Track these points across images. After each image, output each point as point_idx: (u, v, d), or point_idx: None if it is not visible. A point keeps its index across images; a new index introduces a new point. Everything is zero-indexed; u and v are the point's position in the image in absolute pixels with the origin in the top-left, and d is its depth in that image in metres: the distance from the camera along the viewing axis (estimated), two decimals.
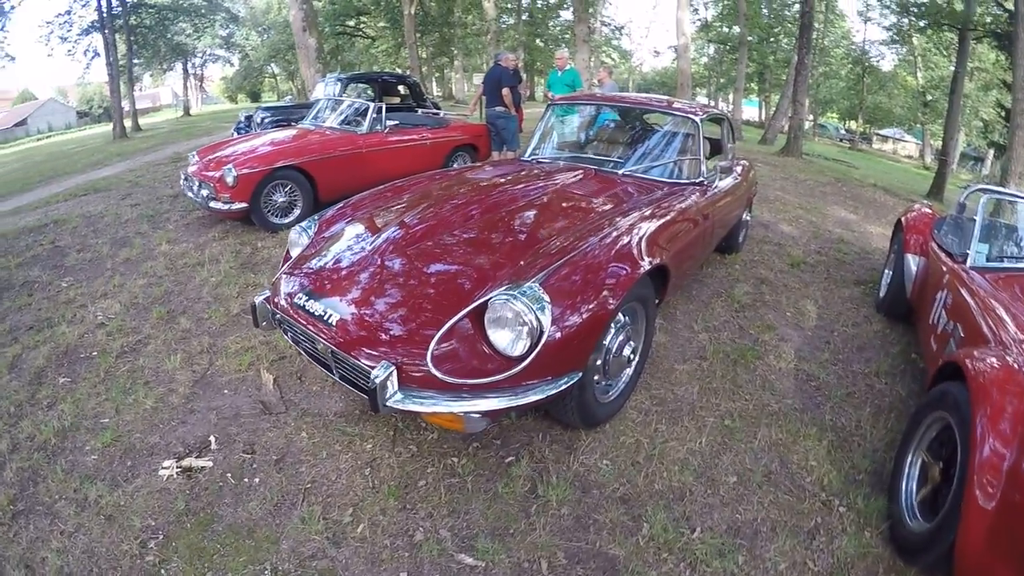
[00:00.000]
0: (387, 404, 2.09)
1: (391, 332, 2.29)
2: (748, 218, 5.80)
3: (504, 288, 2.20)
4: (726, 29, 28.97)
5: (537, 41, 29.94)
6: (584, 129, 4.99)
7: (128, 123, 22.68)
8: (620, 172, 3.88)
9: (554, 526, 2.31)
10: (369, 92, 11.42)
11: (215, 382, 3.36)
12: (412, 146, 7.06)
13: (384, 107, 6.88)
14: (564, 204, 3.33)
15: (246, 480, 2.53)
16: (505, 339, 2.13)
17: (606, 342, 2.61)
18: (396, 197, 3.59)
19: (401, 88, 11.58)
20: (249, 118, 10.27)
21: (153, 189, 8.74)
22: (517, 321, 2.10)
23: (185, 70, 34.74)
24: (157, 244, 5.76)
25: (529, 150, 4.60)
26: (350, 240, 2.98)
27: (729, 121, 5.06)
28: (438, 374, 2.07)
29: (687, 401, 3.20)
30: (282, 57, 33.59)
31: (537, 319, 2.09)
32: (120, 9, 23.05)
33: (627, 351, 2.78)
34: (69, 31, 23.03)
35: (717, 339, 3.94)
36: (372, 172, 6.27)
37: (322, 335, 2.38)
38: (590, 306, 2.29)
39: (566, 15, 29.74)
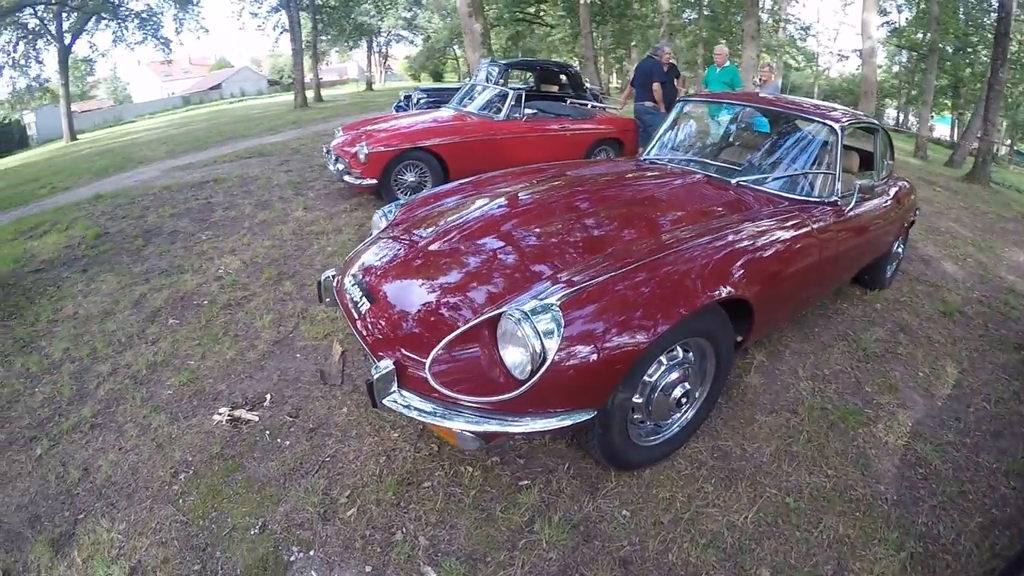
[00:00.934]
0: (383, 402, 2.07)
1: (406, 329, 2.28)
2: (902, 250, 5.11)
3: (521, 302, 2.04)
4: (919, 35, 26.14)
5: (718, 38, 29.08)
6: (709, 131, 4.63)
7: (311, 94, 25.04)
8: (733, 181, 3.46)
9: (535, 568, 2.15)
10: (528, 79, 11.69)
11: (292, 345, 3.67)
12: (550, 136, 7.15)
13: (523, 94, 7.06)
14: (649, 212, 3.10)
15: (279, 440, 2.76)
16: (514, 358, 1.98)
17: (651, 378, 2.35)
18: (482, 189, 3.61)
19: (563, 77, 11.63)
20: (408, 97, 10.91)
21: (310, 158, 9.61)
22: (524, 341, 1.92)
23: (369, 48, 37.71)
24: (293, 210, 6.35)
25: (647, 150, 4.36)
26: (415, 230, 3.05)
27: (886, 133, 4.51)
28: (433, 382, 2.00)
29: (754, 462, 2.75)
30: (462, 40, 35.17)
31: (542, 345, 1.90)
32: None
33: (678, 392, 2.45)
34: (259, 8, 25.63)
35: (822, 392, 3.40)
36: (506, 159, 6.34)
37: (354, 320, 2.46)
38: (620, 338, 2.03)
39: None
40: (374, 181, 5.98)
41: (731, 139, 4.41)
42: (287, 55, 42.04)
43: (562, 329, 1.92)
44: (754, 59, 13.06)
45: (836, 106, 4.41)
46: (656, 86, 7.67)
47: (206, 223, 6.15)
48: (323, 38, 32.76)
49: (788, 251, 2.91)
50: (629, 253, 2.39)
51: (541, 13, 30.15)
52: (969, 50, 24.60)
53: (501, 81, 9.90)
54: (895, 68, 36.33)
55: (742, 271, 2.53)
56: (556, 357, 1.90)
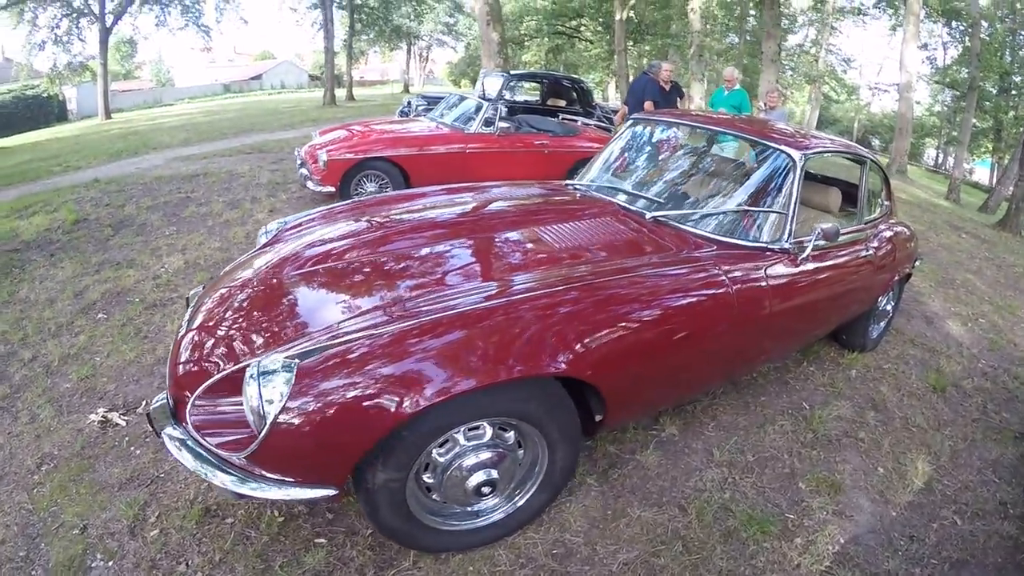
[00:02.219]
0: (160, 434, 1.99)
1: (191, 362, 2.21)
2: (892, 307, 4.47)
3: (266, 356, 1.84)
4: (961, 73, 25.56)
5: (759, 64, 28.89)
6: (649, 155, 3.99)
7: (343, 92, 25.64)
8: (648, 215, 3.02)
9: None
10: (537, 91, 11.76)
11: None
12: (525, 152, 7.09)
13: (500, 108, 7.05)
14: (515, 250, 2.75)
15: (132, 448, 2.88)
16: (248, 416, 1.79)
17: (443, 457, 2.05)
18: (369, 211, 3.34)
19: (572, 92, 11.41)
20: (411, 103, 11.10)
21: None
22: (249, 401, 1.75)
23: (408, 50, 38.28)
24: (258, 212, 6.57)
25: (581, 173, 3.96)
26: (269, 253, 2.89)
27: (880, 168, 4.01)
28: (188, 424, 1.92)
29: (598, 570, 2.28)
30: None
31: (261, 407, 1.72)
32: None
33: (478, 479, 2.10)
34: (298, 3, 26.26)
35: (734, 484, 2.79)
36: (473, 173, 6.37)
37: (177, 342, 2.38)
38: (365, 410, 1.75)
39: (794, 39, 28.30)
40: (332, 189, 6.10)
41: (672, 166, 3.78)
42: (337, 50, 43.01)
43: (288, 392, 1.71)
44: (773, 84, 12.49)
45: (816, 134, 3.86)
46: (648, 104, 7.48)
47: (175, 219, 6.39)
48: (362, 38, 33.42)
49: (685, 313, 2.40)
50: (439, 302, 2.08)
51: (581, 27, 30.33)
52: (1013, 91, 24.06)
53: (505, 93, 9.96)
54: (937, 107, 35.59)
55: (589, 340, 2.06)
56: (280, 422, 1.71)
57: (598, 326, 2.11)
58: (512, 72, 11.01)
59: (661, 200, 3.25)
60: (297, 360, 1.76)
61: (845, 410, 3.55)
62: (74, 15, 23.33)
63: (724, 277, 2.54)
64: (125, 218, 6.54)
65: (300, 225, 3.28)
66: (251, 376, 1.75)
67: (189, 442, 1.90)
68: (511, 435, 2.15)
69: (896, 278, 4.09)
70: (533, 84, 13.00)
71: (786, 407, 3.51)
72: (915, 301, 5.60)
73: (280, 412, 1.70)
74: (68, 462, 2.79)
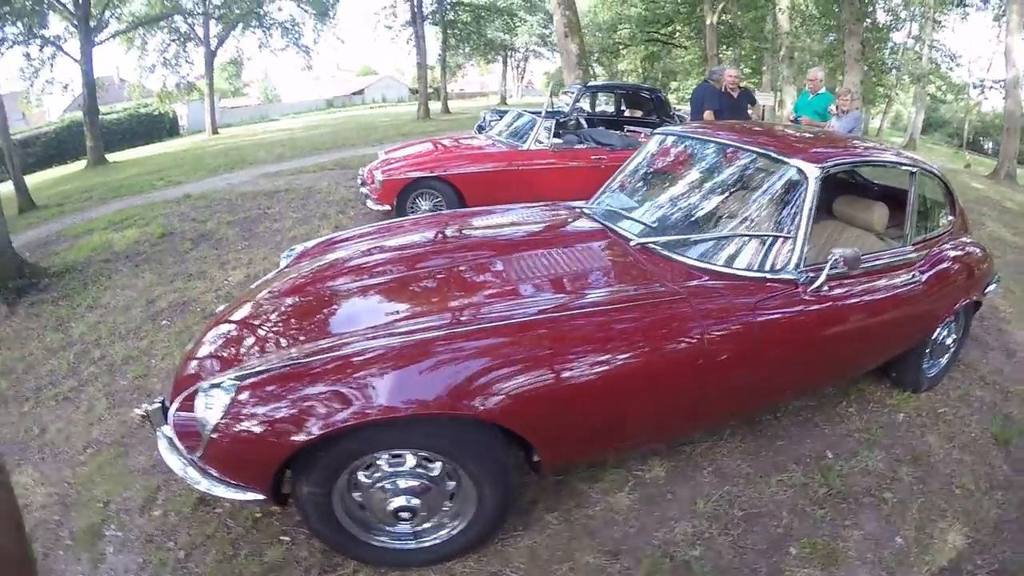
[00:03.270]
0: (156, 431, 2.32)
1: (187, 376, 2.45)
2: (952, 341, 3.90)
3: (222, 375, 2.12)
4: None
5: (862, 63, 27.55)
6: (662, 173, 3.78)
7: (438, 106, 26.75)
8: (633, 242, 2.92)
9: None
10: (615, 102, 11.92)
11: None
12: (580, 167, 6.94)
13: (553, 123, 7.08)
14: (469, 281, 2.76)
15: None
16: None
17: (368, 479, 2.18)
18: (366, 238, 3.51)
19: (650, 101, 11.35)
20: (486, 118, 11.47)
21: None
22: (197, 413, 2.06)
23: (505, 63, 39.24)
24: (324, 229, 7.05)
25: (598, 193, 3.83)
26: (277, 280, 3.08)
27: (941, 179, 3.63)
28: (171, 425, 2.22)
29: None
30: (596, 59, 35.76)
31: (205, 419, 2.02)
32: (436, 5, 27.36)
33: (396, 504, 2.20)
34: (393, 21, 27.49)
35: (709, 540, 2.57)
36: (528, 190, 6.37)
37: (185, 354, 2.74)
38: (276, 429, 1.96)
39: (898, 37, 26.83)
40: (389, 208, 6.46)
41: (687, 184, 3.44)
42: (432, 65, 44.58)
43: (225, 408, 1.98)
44: (858, 86, 11.77)
45: (859, 142, 3.59)
46: (708, 114, 7.31)
47: (249, 234, 6.98)
48: (458, 52, 34.59)
49: (636, 356, 2.26)
50: (368, 336, 2.19)
51: (676, 34, 30.21)
52: None
53: (579, 104, 10.11)
54: None
55: (507, 384, 2.05)
56: (217, 432, 1.99)
57: (521, 370, 2.07)
58: (586, 84, 11.16)
59: (658, 224, 3.09)
60: (237, 381, 2.02)
61: (876, 462, 3.10)
62: (181, 40, 25.59)
63: (693, 312, 2.37)
64: (206, 232, 7.20)
65: (319, 248, 3.56)
66: (200, 391, 2.06)
67: (173, 440, 2.22)
68: (437, 466, 2.18)
69: (959, 307, 3.58)
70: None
71: (804, 455, 3.15)
72: (998, 330, 4.98)
73: (216, 424, 1.99)
74: (109, 448, 3.26)
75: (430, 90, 28.02)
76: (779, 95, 24.30)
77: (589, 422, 2.29)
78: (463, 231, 3.46)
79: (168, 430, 2.25)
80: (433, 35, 27.51)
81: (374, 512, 2.24)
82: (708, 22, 22.62)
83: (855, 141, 3.66)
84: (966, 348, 4.26)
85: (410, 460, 2.15)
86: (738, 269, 2.66)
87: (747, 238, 2.76)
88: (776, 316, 2.56)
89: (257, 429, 1.96)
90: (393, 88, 57.14)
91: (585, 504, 2.74)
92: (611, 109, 12.69)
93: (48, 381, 4.09)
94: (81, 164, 19.40)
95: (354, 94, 53.56)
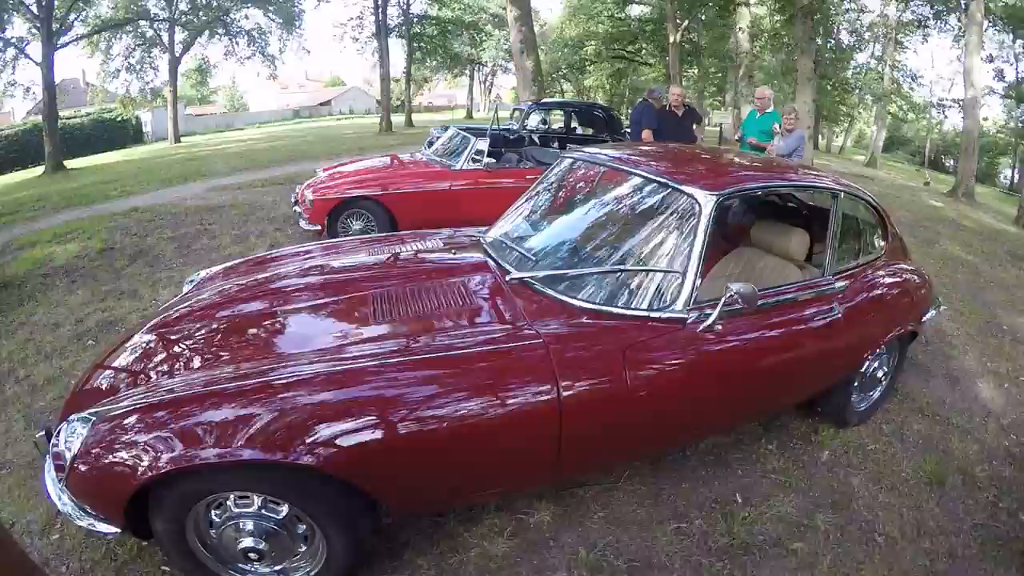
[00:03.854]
0: (44, 456, 2.32)
1: (74, 402, 2.52)
2: (884, 374, 3.72)
3: (84, 410, 2.14)
4: None
5: (825, 84, 27.89)
6: (563, 198, 3.68)
7: (401, 119, 27.00)
8: (508, 277, 2.78)
9: None
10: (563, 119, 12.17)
11: None
12: (514, 187, 6.46)
13: (486, 143, 6.95)
14: (325, 321, 2.75)
15: None
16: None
17: (219, 518, 2.19)
18: (296, 259, 3.53)
19: (600, 118, 11.23)
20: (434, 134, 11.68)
21: None
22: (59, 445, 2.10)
23: (471, 77, 39.68)
24: (259, 247, 7.21)
25: (495, 224, 3.67)
26: (172, 307, 3.13)
27: (870, 202, 3.51)
28: (49, 452, 2.22)
29: None
30: (562, 76, 36.22)
31: (65, 452, 2.07)
32: (402, 18, 27.66)
33: (245, 544, 2.19)
34: (360, 33, 27.75)
35: None
36: (460, 211, 6.42)
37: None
38: (120, 466, 2.00)
39: (862, 58, 27.59)
40: (319, 228, 6.54)
41: (581, 213, 3.40)
42: (398, 77, 44.84)
43: (82, 442, 2.02)
44: (808, 105, 11.84)
45: (776, 163, 3.69)
46: (646, 133, 7.21)
47: (186, 251, 7.14)
48: (425, 65, 34.88)
49: (478, 407, 2.14)
50: (206, 381, 2.20)
51: (642, 51, 30.73)
52: None
53: (528, 122, 10.30)
54: (1012, 124, 33.55)
55: (336, 433, 2.00)
56: (75, 465, 2.02)
57: (355, 420, 2.03)
58: (535, 102, 11.37)
59: (541, 256, 2.94)
60: (94, 418, 2.07)
61: (790, 508, 2.88)
62: (146, 45, 25.74)
63: (550, 357, 2.24)
64: (144, 248, 7.34)
65: (220, 273, 3.58)
66: (66, 423, 2.13)
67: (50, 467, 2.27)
68: (284, 509, 2.16)
69: (891, 337, 3.43)
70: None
71: (709, 499, 2.93)
72: (943, 355, 4.81)
73: (75, 455, 2.03)
74: (20, 469, 3.40)
75: (397, 103, 28.25)
76: (738, 113, 24.92)
77: (436, 476, 2.21)
78: (336, 265, 3.37)
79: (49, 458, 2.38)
80: (401, 47, 27.73)
81: (226, 550, 2.24)
82: (671, 40, 23.06)
83: (775, 164, 3.72)
84: (906, 376, 4.22)
85: (256, 502, 2.14)
86: (620, 307, 2.48)
87: (633, 273, 2.60)
88: (657, 358, 2.41)
89: (107, 463, 2.01)
90: (361, 100, 57.21)
91: (460, 549, 2.61)
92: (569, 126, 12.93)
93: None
94: (40, 169, 19.30)
95: (321, 105, 53.62)
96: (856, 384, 3.48)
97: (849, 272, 3.25)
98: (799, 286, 3.01)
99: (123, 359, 2.73)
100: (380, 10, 26.02)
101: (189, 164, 16.39)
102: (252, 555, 2.20)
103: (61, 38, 19.57)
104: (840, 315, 3.00)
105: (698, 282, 2.47)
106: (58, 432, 2.16)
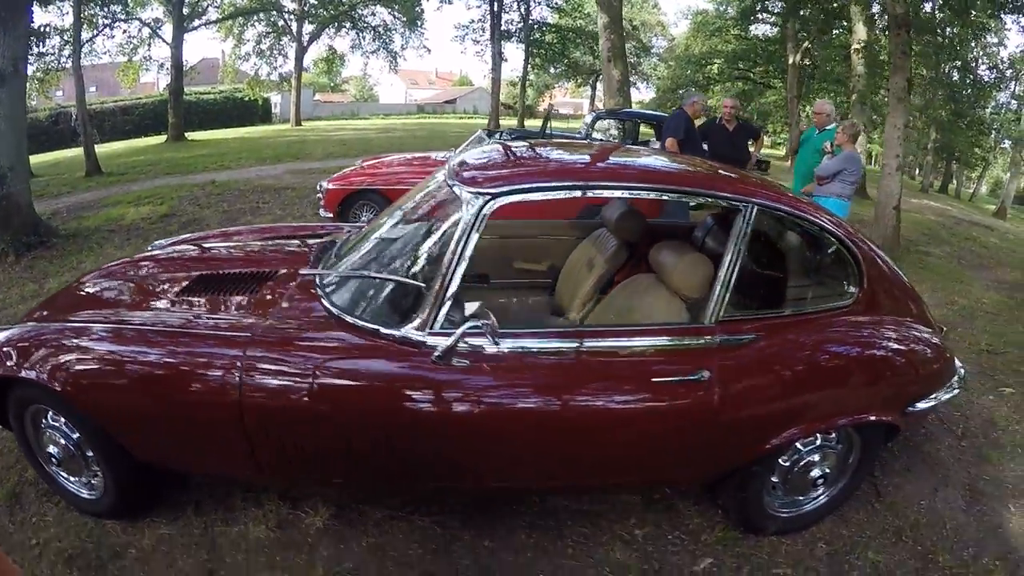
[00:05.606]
0: None
1: None
2: (818, 473, 2.60)
3: None
4: None
5: (959, 123, 24.69)
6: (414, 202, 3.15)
7: (514, 122, 27.94)
8: (301, 271, 2.70)
9: None
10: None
11: None
12: None
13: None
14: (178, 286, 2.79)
15: None
16: None
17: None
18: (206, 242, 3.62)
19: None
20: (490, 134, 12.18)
21: None
22: None
23: (592, 87, 40.08)
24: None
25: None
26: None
27: (833, 235, 2.53)
28: None
29: None
30: (686, 89, 36.04)
31: None
32: (521, 25, 28.38)
33: (52, 450, 2.51)
34: (481, 36, 28.72)
35: None
36: None
37: None
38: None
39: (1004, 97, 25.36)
40: (331, 215, 7.04)
41: (405, 213, 2.89)
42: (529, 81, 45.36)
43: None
44: (899, 130, 10.15)
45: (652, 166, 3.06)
46: (670, 142, 6.54)
47: (227, 226, 7.84)
48: (548, 72, 35.69)
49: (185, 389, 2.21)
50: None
51: (769, 73, 30.01)
52: None
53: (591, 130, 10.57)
54: None
55: (97, 377, 2.31)
56: None
57: (100, 366, 2.28)
58: (602, 111, 11.55)
59: (340, 254, 2.80)
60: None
61: None
62: (276, 33, 27.91)
63: (241, 359, 2.15)
64: (199, 218, 8.27)
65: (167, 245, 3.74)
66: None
67: None
68: (76, 434, 2.46)
69: (835, 425, 2.48)
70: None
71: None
72: (975, 455, 3.39)
73: None
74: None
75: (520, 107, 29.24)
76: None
77: (151, 437, 2.38)
78: (217, 247, 3.53)
79: None
80: (498, 54, 28.44)
81: (41, 451, 2.59)
82: (790, 61, 22.36)
83: (652, 168, 2.97)
84: (916, 473, 3.18)
85: (61, 420, 2.46)
86: (359, 318, 2.24)
87: (385, 282, 2.38)
88: (359, 377, 2.19)
89: None
90: (484, 101, 58.57)
91: (231, 522, 2.64)
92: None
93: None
94: (164, 138, 21.47)
95: (446, 102, 55.34)
96: (778, 480, 2.59)
97: (758, 323, 2.41)
98: (628, 331, 2.37)
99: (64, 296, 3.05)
100: (495, 15, 26.95)
101: (292, 146, 17.65)
102: (53, 460, 2.54)
103: (194, 21, 21.83)
104: (707, 378, 2.20)
105: (447, 302, 2.10)
106: None
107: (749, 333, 2.34)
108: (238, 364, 2.13)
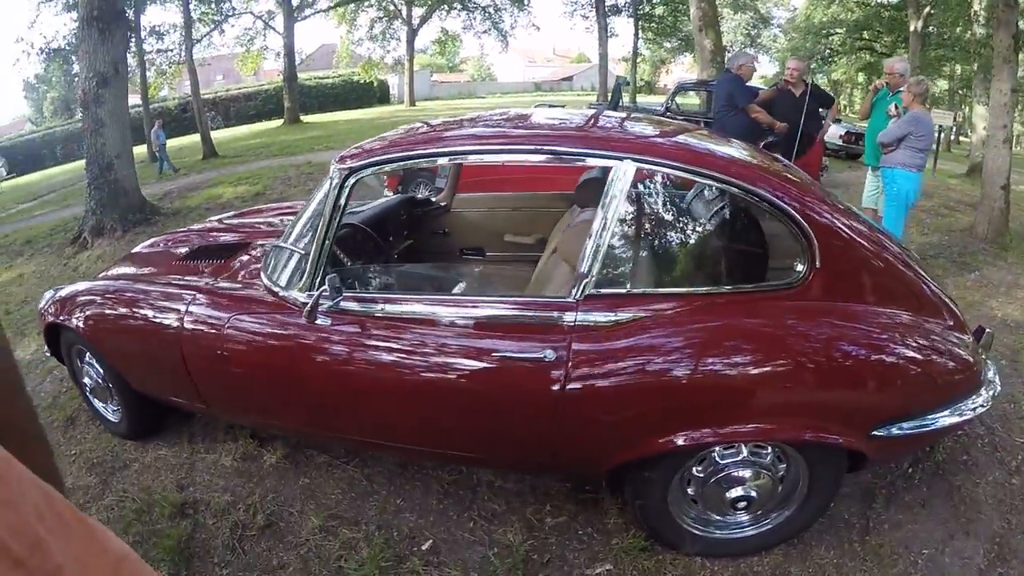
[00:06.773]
0: None
1: None
2: (743, 493, 2.18)
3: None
4: None
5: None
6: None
7: (626, 99, 27.81)
8: (259, 242, 3.26)
9: None
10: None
11: None
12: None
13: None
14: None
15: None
16: None
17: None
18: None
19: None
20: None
21: None
22: None
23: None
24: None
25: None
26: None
27: (758, 197, 2.07)
28: None
29: None
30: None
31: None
32: None
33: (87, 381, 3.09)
34: (590, 12, 28.71)
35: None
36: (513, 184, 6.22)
37: None
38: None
39: None
40: (391, 192, 7.16)
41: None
42: (645, 57, 44.59)
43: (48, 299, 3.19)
44: (1007, 95, 8.16)
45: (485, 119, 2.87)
46: (755, 108, 6.03)
47: (260, 199, 8.72)
48: (663, 47, 35.21)
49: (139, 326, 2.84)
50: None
51: (894, 44, 28.29)
52: None
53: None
54: None
55: (98, 313, 3.02)
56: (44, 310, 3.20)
57: (103, 306, 2.94)
58: (683, 83, 11.52)
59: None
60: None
61: None
62: (388, 18, 29.22)
63: (188, 304, 2.63)
64: (286, 196, 9.01)
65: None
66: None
67: None
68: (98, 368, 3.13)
69: (777, 440, 2.10)
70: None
71: (408, 525, 2.58)
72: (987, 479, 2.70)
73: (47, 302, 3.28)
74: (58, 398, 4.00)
75: (643, 81, 28.89)
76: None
77: (133, 364, 2.97)
78: (243, 221, 4.09)
79: None
80: (603, 28, 28.06)
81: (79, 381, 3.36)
82: (912, 27, 20.90)
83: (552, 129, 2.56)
84: (931, 510, 2.51)
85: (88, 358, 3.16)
86: (274, 282, 2.51)
87: (278, 249, 2.67)
88: (257, 333, 2.49)
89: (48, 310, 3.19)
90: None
91: (202, 452, 3.17)
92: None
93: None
94: (281, 122, 23.20)
95: (563, 80, 55.29)
96: (693, 493, 2.25)
97: (643, 302, 2.09)
98: (492, 301, 2.27)
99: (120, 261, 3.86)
100: None
101: (398, 126, 18.33)
102: (88, 389, 3.30)
103: (304, 11, 23.39)
104: (551, 359, 2.00)
105: (322, 264, 2.29)
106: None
107: (624, 313, 2.05)
108: (182, 311, 2.61)
